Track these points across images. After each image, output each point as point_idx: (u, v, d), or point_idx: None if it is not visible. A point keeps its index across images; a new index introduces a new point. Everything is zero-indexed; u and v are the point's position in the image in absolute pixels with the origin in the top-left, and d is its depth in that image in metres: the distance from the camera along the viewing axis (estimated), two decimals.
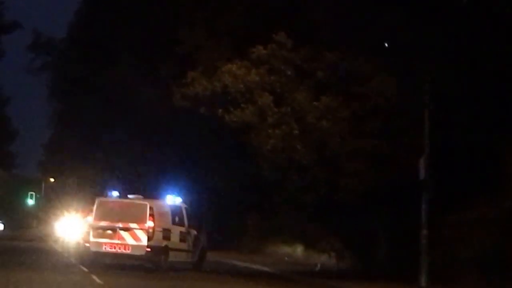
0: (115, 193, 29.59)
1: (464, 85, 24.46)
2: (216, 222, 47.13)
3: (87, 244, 28.27)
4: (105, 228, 27.63)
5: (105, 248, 27.58)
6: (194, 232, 30.44)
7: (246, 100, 27.00)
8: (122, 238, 27.36)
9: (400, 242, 28.58)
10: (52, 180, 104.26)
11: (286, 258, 36.65)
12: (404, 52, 25.07)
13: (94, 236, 27.81)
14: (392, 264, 29.52)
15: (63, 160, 72.35)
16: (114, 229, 27.49)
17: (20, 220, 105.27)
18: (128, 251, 27.33)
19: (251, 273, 31.66)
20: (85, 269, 26.43)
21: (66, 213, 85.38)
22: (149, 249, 27.19)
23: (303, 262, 38.44)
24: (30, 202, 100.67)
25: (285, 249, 45.06)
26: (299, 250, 43.62)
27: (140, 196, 29.66)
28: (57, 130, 61.86)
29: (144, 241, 27.20)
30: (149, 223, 27.33)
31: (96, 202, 28.71)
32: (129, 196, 29.73)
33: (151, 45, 32.72)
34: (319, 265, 35.49)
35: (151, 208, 27.52)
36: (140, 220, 27.37)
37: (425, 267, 23.09)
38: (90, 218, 28.64)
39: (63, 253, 38.85)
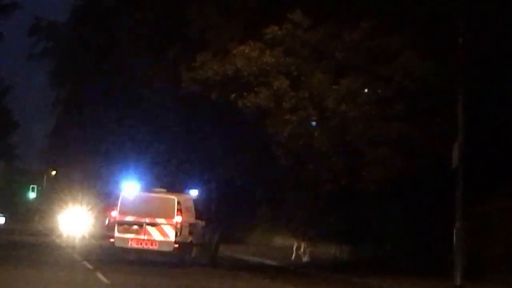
0: (137, 186, 28.81)
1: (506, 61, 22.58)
2: (225, 215, 45.63)
3: (112, 240, 27.46)
4: (131, 224, 27.01)
5: (130, 244, 26.91)
6: (209, 225, 29.97)
7: (260, 83, 25.19)
8: (149, 234, 26.80)
9: (426, 235, 26.81)
10: (54, 172, 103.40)
11: (300, 251, 34.85)
12: (436, 24, 23.21)
13: (119, 232, 27.10)
14: (414, 258, 27.80)
15: (65, 152, 70.87)
16: (140, 225, 26.89)
17: (22, 214, 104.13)
18: (155, 247, 26.82)
19: (263, 268, 30.21)
20: (90, 266, 24.81)
21: (69, 207, 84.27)
22: (177, 245, 26.69)
23: (317, 255, 36.71)
24: (32, 195, 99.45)
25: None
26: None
27: (164, 189, 28.86)
28: (60, 120, 60.16)
29: (172, 237, 26.68)
30: (177, 218, 26.80)
31: (121, 196, 27.95)
32: (153, 189, 29.02)
33: (157, 27, 30.81)
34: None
35: (179, 203, 26.95)
36: (168, 215, 26.85)
37: (460, 264, 21.17)
38: (114, 213, 27.69)
39: (66, 248, 37.10)
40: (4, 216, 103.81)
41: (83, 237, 54.47)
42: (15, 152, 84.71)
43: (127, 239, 26.92)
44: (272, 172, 28.31)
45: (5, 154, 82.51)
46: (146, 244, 26.76)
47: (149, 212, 26.90)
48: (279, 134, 25.25)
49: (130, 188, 28.48)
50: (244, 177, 30.84)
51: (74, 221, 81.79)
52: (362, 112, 25.02)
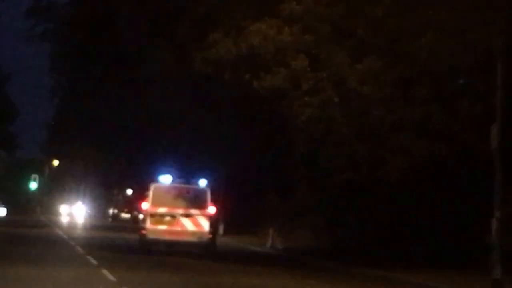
0: (168, 178, 28.09)
1: None
2: (233, 205, 44.14)
3: (144, 232, 27.36)
4: (164, 215, 26.98)
5: (164, 235, 26.86)
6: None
7: (278, 63, 23.41)
8: (182, 225, 26.85)
9: (455, 226, 25.09)
10: (56, 162, 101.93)
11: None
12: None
13: (152, 223, 26.99)
14: (444, 251, 26.09)
15: (68, 140, 69.18)
16: (174, 216, 26.88)
17: (23, 205, 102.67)
18: (190, 238, 26.83)
19: (276, 261, 28.96)
20: (94, 262, 23.07)
21: (71, 197, 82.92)
22: (211, 236, 27.01)
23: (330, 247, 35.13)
24: (33, 185, 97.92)
25: (307, 233, 41.77)
26: (323, 234, 40.40)
27: (180, 180, 28.51)
28: (60, 108, 58.32)
29: (206, 227, 26.86)
30: (211, 209, 27.12)
31: (152, 187, 27.59)
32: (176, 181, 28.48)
33: (164, 5, 28.97)
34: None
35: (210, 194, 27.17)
36: (201, 206, 26.97)
37: (498, 256, 19.40)
38: (146, 204, 27.49)
39: (68, 240, 35.37)
40: (5, 207, 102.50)
41: (86, 229, 52.98)
42: (16, 141, 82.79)
43: (160, 231, 26.79)
44: (287, 159, 26.52)
45: (5, 143, 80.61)
46: (180, 235, 26.70)
47: (182, 203, 26.92)
48: (296, 117, 23.53)
49: (162, 179, 27.99)
50: (257, 164, 29.07)
51: (76, 212, 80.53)
52: (384, 94, 23.33)
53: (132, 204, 73.56)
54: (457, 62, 22.71)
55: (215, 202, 29.09)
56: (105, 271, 19.67)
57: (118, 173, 70.54)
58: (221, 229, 45.42)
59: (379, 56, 23.51)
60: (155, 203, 27.06)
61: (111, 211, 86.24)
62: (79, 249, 29.20)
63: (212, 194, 27.99)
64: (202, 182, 28.49)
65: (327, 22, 23.63)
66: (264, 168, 33.01)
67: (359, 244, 32.53)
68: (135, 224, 29.91)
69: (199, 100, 29.84)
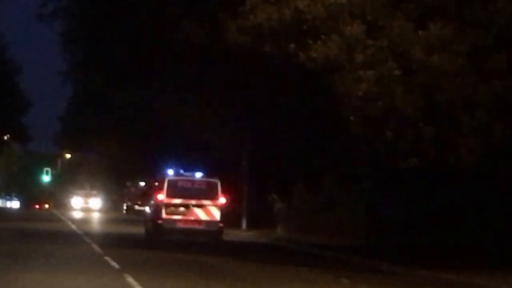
0: (181, 171, 30.37)
1: None
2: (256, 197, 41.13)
3: (159, 221, 29.04)
4: (178, 205, 28.76)
5: (178, 224, 28.68)
6: None
7: (329, 30, 19.77)
8: (195, 215, 28.70)
9: None
10: (69, 155, 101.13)
11: None
12: None
13: (167, 213, 28.74)
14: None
15: (81, 132, 66.51)
16: (187, 206, 28.72)
17: (36, 198, 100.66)
18: (202, 227, 28.73)
19: (305, 257, 26.54)
20: (115, 265, 19.67)
21: (84, 191, 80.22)
22: (221, 225, 28.96)
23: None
24: (46, 178, 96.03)
25: (339, 227, 38.34)
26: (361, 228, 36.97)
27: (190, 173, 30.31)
28: (74, 94, 55.09)
29: (217, 217, 28.85)
30: (222, 200, 29.11)
31: (166, 180, 29.37)
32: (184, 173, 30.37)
33: None
34: None
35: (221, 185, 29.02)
36: (213, 197, 28.98)
37: None
38: (161, 196, 29.23)
39: (83, 237, 31.93)
40: (18, 200, 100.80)
41: (100, 223, 49.89)
42: (29, 133, 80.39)
43: (175, 220, 28.66)
44: (340, 142, 22.88)
45: (19, 136, 78.39)
46: (193, 224, 28.63)
47: (195, 194, 28.84)
48: (351, 94, 19.92)
49: (175, 172, 30.13)
50: (302, 149, 25.53)
51: (89, 205, 77.65)
52: (455, 65, 19.71)
53: (146, 197, 70.92)
54: None
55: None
56: (130, 279, 16.17)
57: (131, 166, 68.38)
58: (244, 224, 42.34)
59: (448, 21, 19.89)
60: (170, 195, 28.85)
61: (124, 204, 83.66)
62: (95, 247, 25.80)
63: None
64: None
65: None
66: (299, 154, 29.55)
67: (408, 240, 29.15)
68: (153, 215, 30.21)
69: (232, 80, 26.17)
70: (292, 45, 20.23)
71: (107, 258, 21.46)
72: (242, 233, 40.15)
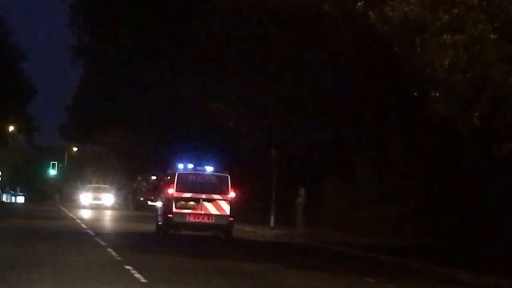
0: (190, 165, 30.33)
1: None
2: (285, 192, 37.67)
3: (170, 215, 29.45)
4: (188, 199, 29.17)
5: (188, 218, 29.04)
6: None
7: None
8: (205, 209, 29.10)
9: None
10: (75, 149, 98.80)
11: None
12: None
13: (177, 207, 29.18)
14: None
15: (89, 122, 62.92)
16: (197, 200, 29.12)
17: (42, 192, 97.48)
18: (211, 221, 29.11)
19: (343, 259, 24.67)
20: (140, 277, 15.98)
21: (92, 186, 76.72)
22: (231, 219, 29.36)
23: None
24: (52, 172, 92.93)
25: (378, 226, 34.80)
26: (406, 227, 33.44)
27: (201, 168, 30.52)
28: (84, 76, 51.22)
29: (227, 211, 29.31)
30: (232, 194, 29.59)
31: (176, 174, 29.82)
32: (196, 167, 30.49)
33: None
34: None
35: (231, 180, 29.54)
36: (222, 191, 29.45)
37: None
38: (171, 190, 29.64)
39: (94, 237, 28.22)
40: (23, 195, 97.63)
41: (112, 220, 46.20)
42: (34, 123, 76.91)
43: (185, 214, 29.09)
44: (419, 125, 18.89)
45: (23, 126, 74.99)
46: (203, 218, 29.06)
47: (205, 189, 29.35)
48: (434, 63, 15.93)
49: (185, 166, 30.20)
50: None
51: (99, 201, 73.95)
52: None
53: (157, 191, 67.55)
54: None
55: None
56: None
57: (144, 159, 65.15)
58: (272, 221, 38.86)
59: None
60: (180, 189, 29.36)
61: (136, 199, 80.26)
62: (111, 252, 21.99)
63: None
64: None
65: None
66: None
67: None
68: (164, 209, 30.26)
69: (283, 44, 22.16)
70: (359, 3, 16.30)
71: (128, 267, 17.68)
72: (271, 232, 36.64)
